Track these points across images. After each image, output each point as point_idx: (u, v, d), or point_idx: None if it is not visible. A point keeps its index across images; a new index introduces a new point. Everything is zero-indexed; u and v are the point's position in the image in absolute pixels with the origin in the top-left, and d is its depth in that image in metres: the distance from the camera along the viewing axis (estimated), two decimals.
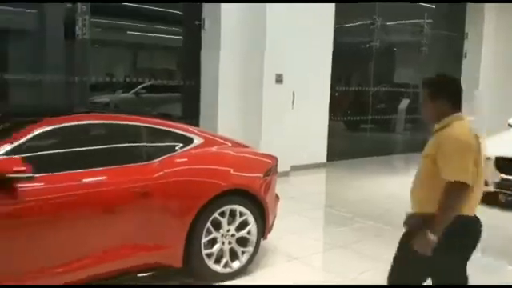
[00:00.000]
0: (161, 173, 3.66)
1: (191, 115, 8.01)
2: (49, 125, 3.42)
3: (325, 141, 9.06)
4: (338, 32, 9.25)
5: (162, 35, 14.54)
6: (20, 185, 3.04)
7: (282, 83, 7.86)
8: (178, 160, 3.87)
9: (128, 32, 14.44)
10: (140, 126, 3.83)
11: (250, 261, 4.14)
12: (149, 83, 13.78)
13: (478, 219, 2.71)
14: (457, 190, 2.50)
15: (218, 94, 7.72)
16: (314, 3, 8.31)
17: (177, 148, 3.97)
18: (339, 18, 9.15)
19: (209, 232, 3.86)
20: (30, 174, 3.04)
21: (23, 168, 3.00)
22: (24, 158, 3.07)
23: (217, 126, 7.56)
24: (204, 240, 3.82)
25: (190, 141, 4.06)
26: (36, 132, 3.35)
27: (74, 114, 3.80)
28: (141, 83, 14.06)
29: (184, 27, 8.59)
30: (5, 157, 3.06)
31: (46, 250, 3.21)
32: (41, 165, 3.18)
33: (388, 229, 5.38)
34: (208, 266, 3.87)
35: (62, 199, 3.26)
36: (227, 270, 3.99)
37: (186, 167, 3.87)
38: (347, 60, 10.75)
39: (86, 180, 3.40)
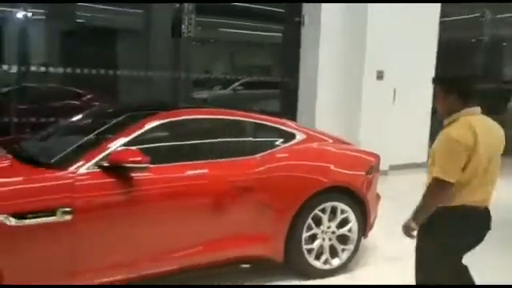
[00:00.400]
0: (263, 167, 3.73)
1: (289, 112, 8.06)
2: (161, 119, 3.60)
3: (426, 140, 8.70)
4: (444, 26, 8.83)
5: (260, 32, 14.77)
6: (135, 174, 3.23)
7: (382, 80, 7.67)
8: (281, 155, 3.92)
9: (226, 30, 14.83)
10: (245, 121, 3.92)
11: (350, 259, 4.10)
12: (246, 80, 14.08)
13: (485, 212, 2.80)
14: (436, 186, 2.68)
15: (316, 91, 7.70)
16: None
17: (279, 143, 4.02)
18: (445, 11, 8.74)
19: (309, 228, 3.87)
20: (145, 165, 3.21)
21: (139, 158, 3.19)
22: (140, 150, 3.27)
23: (314, 122, 7.54)
24: (305, 235, 3.84)
25: (293, 136, 4.09)
26: (149, 126, 3.54)
27: (184, 109, 3.97)
28: (238, 80, 14.42)
29: (284, 24, 8.66)
30: (123, 148, 3.27)
31: (154, 237, 3.38)
32: (152, 156, 3.35)
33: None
34: (308, 261, 3.88)
35: (171, 189, 3.42)
36: (327, 266, 3.99)
37: (289, 162, 3.90)
38: (452, 55, 10.22)
39: (193, 172, 3.54)
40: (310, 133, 4.26)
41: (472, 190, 2.71)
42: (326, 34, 7.57)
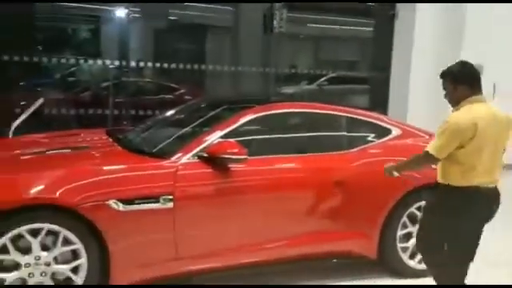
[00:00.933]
0: (359, 162, 3.69)
1: (378, 107, 7.88)
2: (257, 112, 3.66)
3: None
4: None
5: (347, 27, 14.53)
6: (232, 166, 3.32)
7: (481, 74, 7.26)
8: (376, 151, 3.85)
9: (314, 25, 14.73)
10: (339, 116, 3.89)
11: None
12: (332, 75, 13.92)
13: (494, 190, 2.98)
14: (425, 158, 2.99)
15: (409, 86, 7.47)
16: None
17: (375, 138, 3.95)
18: None
19: (405, 226, 3.78)
20: (243, 157, 3.28)
21: (237, 150, 3.26)
22: (238, 142, 3.34)
23: (406, 118, 7.32)
24: (399, 233, 3.76)
25: (388, 132, 4.01)
26: (245, 119, 3.61)
27: (279, 103, 4.00)
28: (324, 75, 14.30)
29: (376, 18, 8.47)
30: (222, 140, 3.35)
31: (249, 227, 3.45)
32: (249, 149, 3.41)
33: None
34: (402, 260, 3.79)
35: (267, 182, 3.48)
36: (421, 266, 3.85)
37: (384, 158, 3.81)
38: None
39: (289, 165, 3.58)
40: (406, 128, 4.15)
41: (478, 174, 2.89)
42: (421, 26, 7.32)
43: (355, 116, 3.98)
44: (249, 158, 3.35)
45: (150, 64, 7.67)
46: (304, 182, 3.57)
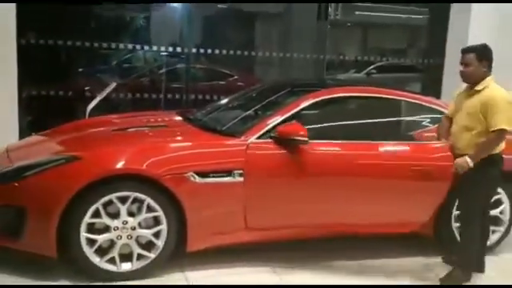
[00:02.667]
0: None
1: (431, 95, 7.90)
2: (323, 95, 3.89)
3: None
4: None
5: (396, 15, 14.41)
6: (298, 146, 3.56)
7: None
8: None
9: (363, 12, 14.68)
10: (404, 101, 4.06)
11: (500, 241, 4.09)
12: (380, 63, 13.85)
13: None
14: (500, 135, 3.28)
15: None
16: None
17: (432, 122, 4.10)
18: None
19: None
20: (305, 139, 3.50)
21: (302, 132, 3.50)
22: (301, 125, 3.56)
23: None
24: (454, 213, 3.91)
25: None
26: (309, 102, 3.83)
27: (342, 87, 4.18)
28: (372, 63, 14.24)
29: (430, 5, 8.47)
30: (292, 122, 3.58)
31: (313, 206, 3.69)
32: (315, 132, 3.66)
33: None
34: (457, 239, 3.95)
35: (329, 165, 3.69)
36: None
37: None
38: None
39: (349, 151, 3.79)
40: None
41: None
42: (477, 14, 7.30)
43: (419, 102, 4.15)
44: (312, 141, 3.57)
45: (203, 51, 7.92)
46: (366, 168, 3.76)
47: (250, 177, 3.45)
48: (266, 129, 3.61)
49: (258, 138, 3.57)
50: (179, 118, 4.31)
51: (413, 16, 11.87)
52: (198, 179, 3.34)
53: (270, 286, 3.44)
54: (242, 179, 3.44)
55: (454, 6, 7.64)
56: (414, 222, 3.92)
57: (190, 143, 3.58)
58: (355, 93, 4.12)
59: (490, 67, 3.41)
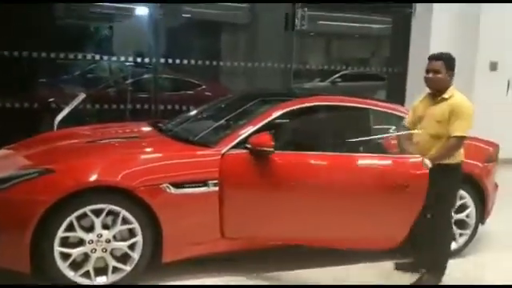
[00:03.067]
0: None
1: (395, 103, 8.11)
2: (294, 105, 3.95)
3: None
4: None
5: (358, 24, 14.73)
6: (270, 157, 3.58)
7: (496, 71, 7.53)
8: None
9: (330, 22, 14.93)
10: (370, 110, 4.16)
11: (467, 244, 4.22)
12: (346, 72, 14.10)
13: None
14: (458, 142, 3.43)
15: None
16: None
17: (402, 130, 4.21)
18: None
19: None
20: (272, 149, 3.51)
21: (269, 143, 3.50)
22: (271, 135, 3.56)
23: None
24: None
25: None
26: (278, 113, 3.87)
27: (310, 97, 4.25)
28: (338, 72, 14.49)
29: (393, 15, 8.72)
30: (263, 133, 3.57)
31: (286, 215, 3.68)
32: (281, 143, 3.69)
33: None
34: None
35: (298, 176, 3.68)
36: None
37: None
38: None
39: (321, 162, 3.81)
40: None
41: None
42: (438, 24, 7.57)
43: (388, 110, 4.27)
44: (281, 152, 3.62)
45: (170, 61, 7.90)
46: (331, 181, 3.75)
47: (225, 187, 3.48)
48: (239, 139, 3.64)
49: (232, 148, 3.59)
50: (151, 129, 4.30)
51: (376, 26, 12.15)
52: (173, 190, 3.34)
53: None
54: (216, 189, 3.46)
55: (416, 16, 7.89)
56: (390, 239, 3.94)
57: (164, 154, 3.58)
58: (328, 102, 4.21)
59: (453, 76, 3.55)
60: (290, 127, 4.02)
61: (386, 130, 4.28)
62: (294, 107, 3.96)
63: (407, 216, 3.87)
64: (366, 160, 3.89)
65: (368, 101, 4.30)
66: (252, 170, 3.58)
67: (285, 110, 3.90)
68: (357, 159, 3.88)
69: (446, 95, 3.49)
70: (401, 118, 4.26)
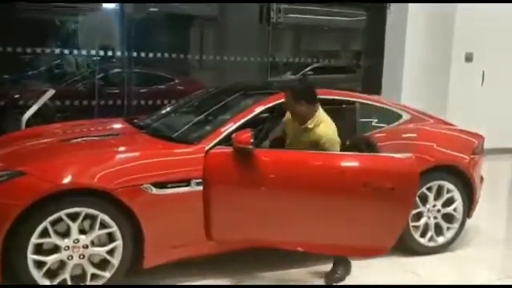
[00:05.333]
0: None
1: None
2: (272, 101, 3.77)
3: None
4: None
5: (331, 17, 14.68)
6: (256, 154, 3.37)
7: (471, 62, 7.56)
8: (389, 135, 4.02)
9: (305, 16, 14.83)
10: (355, 102, 4.04)
11: (455, 238, 4.17)
12: (318, 64, 14.05)
13: None
14: None
15: (402, 74, 7.70)
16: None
17: (386, 123, 4.12)
18: None
19: (415, 206, 3.95)
20: (251, 147, 3.26)
21: (252, 140, 3.25)
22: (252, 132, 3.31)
23: None
24: (412, 224, 3.92)
25: (399, 116, 4.19)
26: (262, 108, 3.71)
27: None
28: (309, 64, 14.43)
29: (368, 8, 8.67)
30: (243, 130, 3.33)
31: (272, 212, 3.40)
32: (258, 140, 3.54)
33: None
34: (414, 237, 3.99)
35: (282, 173, 3.40)
36: (432, 243, 4.08)
37: (397, 142, 4.00)
38: None
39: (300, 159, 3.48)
40: (415, 113, 4.34)
41: None
42: (413, 16, 7.54)
43: (370, 102, 4.15)
44: (257, 149, 3.38)
45: (143, 54, 7.65)
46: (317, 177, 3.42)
47: (209, 186, 3.29)
48: (223, 135, 3.46)
49: (215, 145, 3.41)
50: (127, 126, 4.08)
51: (348, 18, 12.11)
52: (154, 191, 3.15)
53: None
54: (200, 188, 3.27)
55: (391, 9, 7.84)
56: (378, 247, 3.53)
57: (143, 152, 3.37)
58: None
59: (312, 104, 3.44)
60: (275, 122, 3.84)
61: (371, 123, 4.17)
62: (278, 101, 3.78)
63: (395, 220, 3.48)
64: (351, 159, 3.51)
65: (352, 93, 4.19)
66: (236, 167, 3.38)
67: (269, 105, 3.74)
68: (343, 157, 3.51)
69: (309, 125, 3.43)
70: (385, 110, 4.19)
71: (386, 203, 3.36)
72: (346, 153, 3.51)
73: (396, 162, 3.39)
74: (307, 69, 14.64)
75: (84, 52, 7.59)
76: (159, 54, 7.56)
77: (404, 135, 4.11)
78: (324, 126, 3.43)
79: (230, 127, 3.50)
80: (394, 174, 3.35)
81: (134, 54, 7.56)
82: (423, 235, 4.03)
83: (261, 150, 3.39)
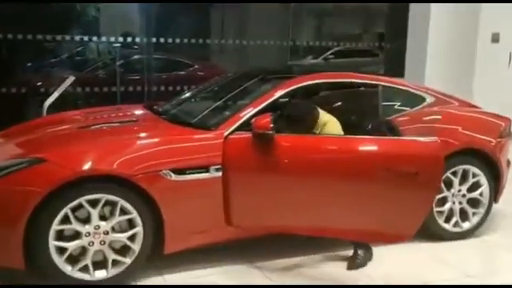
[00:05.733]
0: None
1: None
2: (300, 82, 3.71)
3: None
4: None
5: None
6: (274, 139, 3.31)
7: (498, 43, 7.32)
8: (412, 118, 3.92)
9: None
10: (377, 85, 3.94)
11: (481, 223, 4.07)
12: (339, 48, 13.85)
13: None
14: None
15: (426, 56, 7.49)
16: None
17: (410, 106, 4.02)
18: None
19: (440, 190, 3.86)
20: (271, 132, 3.20)
21: (271, 125, 3.19)
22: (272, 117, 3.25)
23: None
24: (436, 209, 3.84)
25: (423, 99, 4.08)
26: (283, 92, 3.63)
27: (315, 74, 3.98)
28: (330, 48, 14.24)
29: None
30: (263, 115, 3.28)
31: (294, 200, 3.35)
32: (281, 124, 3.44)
33: None
34: (438, 223, 3.91)
35: (303, 159, 3.35)
36: (457, 229, 3.99)
37: (421, 125, 3.90)
38: None
39: (325, 145, 3.45)
40: (439, 96, 4.22)
41: None
42: None
43: (392, 85, 4.04)
44: (279, 134, 3.29)
45: (162, 40, 7.61)
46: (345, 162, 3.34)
47: (228, 172, 3.26)
48: (242, 121, 3.40)
49: (235, 130, 3.36)
50: (147, 112, 4.07)
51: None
52: (174, 177, 3.13)
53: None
54: (219, 174, 3.24)
55: None
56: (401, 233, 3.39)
57: (163, 138, 3.35)
58: (334, 79, 3.98)
59: (310, 119, 3.55)
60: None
61: (394, 107, 4.08)
62: (299, 85, 3.72)
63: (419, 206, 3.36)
64: (373, 142, 3.40)
65: (376, 76, 4.09)
66: (256, 153, 3.33)
67: (289, 89, 3.67)
68: (365, 141, 3.41)
69: (316, 130, 3.53)
70: (409, 93, 4.09)
71: (410, 188, 3.24)
72: (367, 136, 3.42)
73: (420, 146, 3.28)
74: (328, 53, 14.50)
75: (105, 39, 7.59)
76: (179, 40, 7.50)
77: (428, 118, 3.99)
78: (328, 125, 3.50)
79: (250, 112, 3.45)
80: (417, 158, 3.23)
81: (154, 40, 7.53)
82: (448, 221, 3.95)
83: (281, 134, 3.32)
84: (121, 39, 7.53)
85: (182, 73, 8.88)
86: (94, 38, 7.53)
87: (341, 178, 3.28)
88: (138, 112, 4.15)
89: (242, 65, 9.15)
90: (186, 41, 7.57)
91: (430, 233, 3.90)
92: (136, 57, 8.54)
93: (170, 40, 7.49)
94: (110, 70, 8.23)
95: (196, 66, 8.99)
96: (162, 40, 7.49)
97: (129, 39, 7.55)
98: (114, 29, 8.72)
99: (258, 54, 8.90)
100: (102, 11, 9.37)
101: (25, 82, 6.96)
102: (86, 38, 7.37)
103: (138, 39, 7.57)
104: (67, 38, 7.05)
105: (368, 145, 3.35)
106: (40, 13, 7.87)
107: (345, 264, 3.50)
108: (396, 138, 3.43)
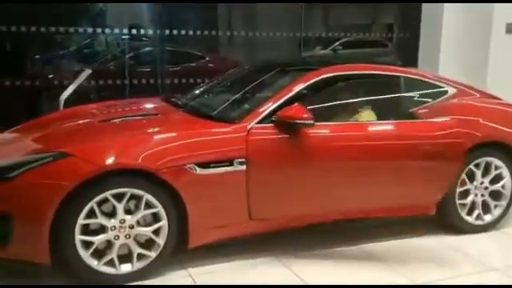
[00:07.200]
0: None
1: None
2: (324, 74, 3.71)
3: None
4: None
5: None
6: (301, 130, 3.36)
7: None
8: (435, 110, 3.89)
9: None
10: (399, 77, 3.91)
11: (503, 215, 4.04)
12: (347, 39, 13.74)
13: None
14: None
15: (439, 48, 7.43)
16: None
17: (432, 98, 3.99)
18: None
19: (463, 183, 3.85)
20: (310, 122, 3.29)
21: (305, 115, 3.27)
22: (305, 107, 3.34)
23: None
24: (458, 190, 3.83)
25: (445, 91, 4.04)
26: (305, 84, 3.61)
27: (337, 65, 3.96)
28: (339, 39, 14.14)
29: None
30: (295, 105, 3.35)
31: (321, 191, 3.50)
32: (317, 113, 3.42)
33: None
34: (461, 215, 3.89)
35: (334, 148, 3.49)
36: (479, 221, 3.97)
37: (443, 118, 3.86)
38: None
39: (353, 132, 3.61)
40: (461, 87, 4.18)
41: None
42: None
43: (415, 76, 4.01)
44: (318, 123, 3.36)
45: (175, 32, 7.57)
46: (377, 149, 3.59)
47: (252, 165, 3.24)
48: (266, 113, 3.39)
49: (258, 122, 3.35)
50: (166, 105, 4.05)
51: None
52: (198, 170, 3.11)
53: (272, 286, 3.21)
54: (243, 168, 3.23)
55: None
56: (423, 205, 3.81)
57: (186, 132, 3.32)
58: (356, 71, 3.94)
59: None
60: (317, 98, 3.74)
61: (417, 98, 4.04)
62: (323, 76, 3.70)
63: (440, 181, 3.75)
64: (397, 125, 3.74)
65: (397, 68, 4.05)
66: (282, 145, 3.34)
67: (309, 82, 3.64)
68: (388, 125, 3.74)
69: None
70: (430, 85, 4.06)
71: (435, 164, 3.69)
72: (390, 121, 3.73)
73: (439, 126, 3.72)
74: (336, 43, 14.39)
75: (116, 31, 7.56)
76: (190, 32, 7.46)
77: (450, 110, 3.95)
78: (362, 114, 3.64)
79: (271, 105, 3.43)
80: (440, 137, 3.69)
81: (166, 32, 7.49)
82: (470, 213, 3.92)
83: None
84: (132, 31, 7.48)
85: (193, 65, 8.84)
86: (107, 30, 7.49)
87: (373, 159, 3.56)
88: (156, 105, 4.13)
89: (254, 57, 9.10)
90: (197, 33, 7.52)
91: (452, 225, 3.90)
92: (147, 49, 8.50)
93: (181, 32, 7.45)
94: (121, 63, 8.20)
95: (207, 58, 8.95)
96: (174, 32, 7.44)
97: (140, 31, 7.49)
98: (124, 21, 8.67)
99: (270, 46, 8.85)
100: (115, 4, 9.34)
101: (36, 74, 6.94)
102: (98, 30, 7.33)
103: (149, 31, 7.51)
104: (79, 30, 7.01)
105: (396, 128, 3.69)
106: (51, 4, 7.85)
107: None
108: (418, 120, 3.78)
